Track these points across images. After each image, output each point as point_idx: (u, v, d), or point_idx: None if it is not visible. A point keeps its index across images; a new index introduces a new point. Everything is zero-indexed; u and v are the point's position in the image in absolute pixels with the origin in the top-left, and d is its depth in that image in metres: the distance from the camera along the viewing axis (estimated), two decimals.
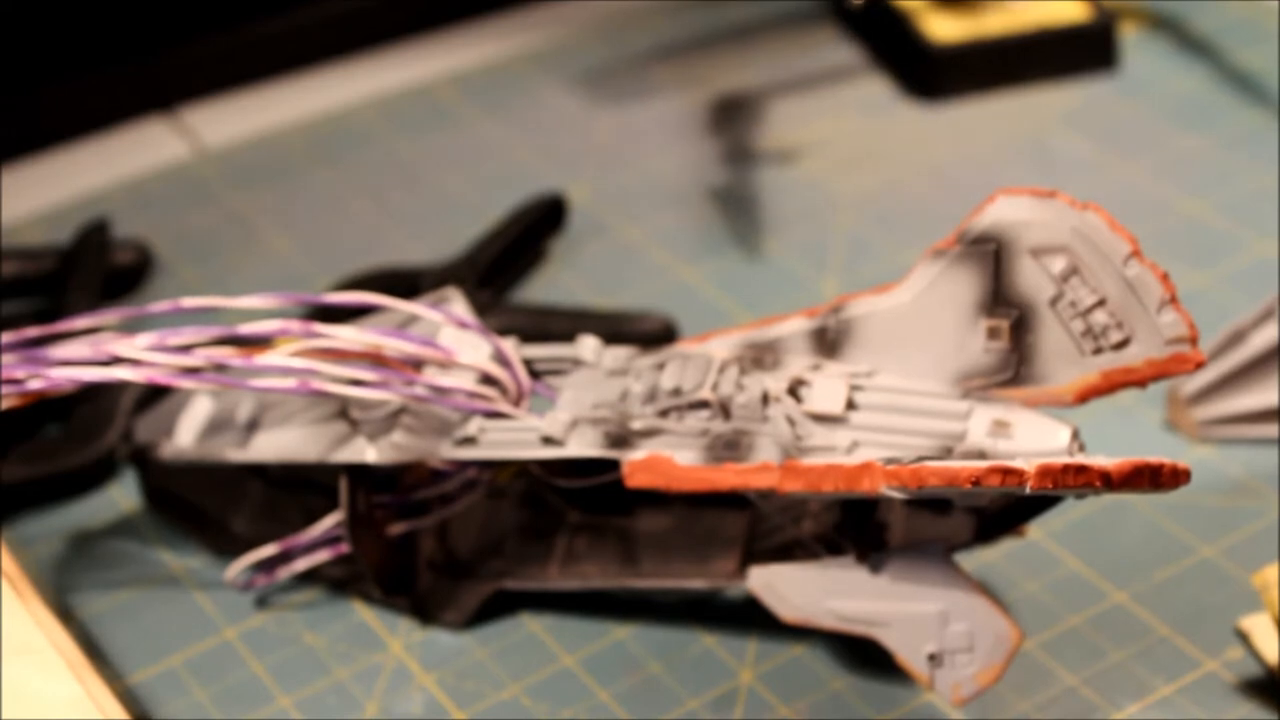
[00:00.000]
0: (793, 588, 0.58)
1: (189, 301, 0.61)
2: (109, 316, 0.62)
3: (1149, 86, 0.85)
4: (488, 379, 0.60)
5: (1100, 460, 0.50)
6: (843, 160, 0.83)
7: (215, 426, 0.63)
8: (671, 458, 0.57)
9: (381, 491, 0.63)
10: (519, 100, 0.89)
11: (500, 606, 0.63)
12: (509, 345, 0.61)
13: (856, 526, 0.58)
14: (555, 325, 0.71)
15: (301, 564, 0.64)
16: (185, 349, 0.60)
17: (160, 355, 0.59)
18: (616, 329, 0.71)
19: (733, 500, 0.61)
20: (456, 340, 0.61)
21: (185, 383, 0.59)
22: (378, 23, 0.93)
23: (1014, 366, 0.54)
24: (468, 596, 0.63)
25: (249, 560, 0.64)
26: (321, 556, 0.63)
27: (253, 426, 0.62)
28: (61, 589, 0.66)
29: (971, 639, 0.55)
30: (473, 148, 0.86)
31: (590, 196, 0.82)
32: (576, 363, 0.61)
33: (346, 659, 0.62)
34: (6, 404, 0.60)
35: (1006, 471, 0.49)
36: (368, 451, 0.60)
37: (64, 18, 0.86)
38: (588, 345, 0.61)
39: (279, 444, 0.62)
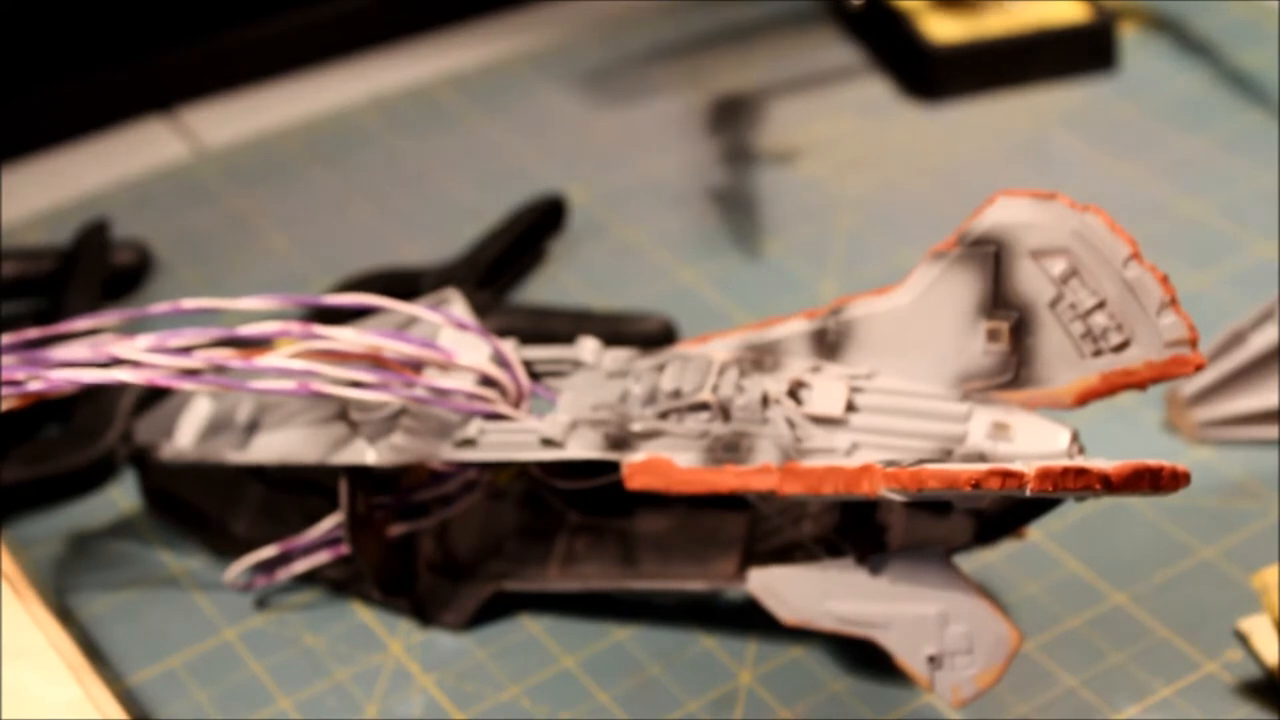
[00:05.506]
0: (792, 589, 0.58)
1: (189, 303, 0.61)
2: (109, 317, 0.62)
3: (1149, 87, 0.85)
4: (487, 381, 0.60)
5: (1100, 463, 0.50)
6: (843, 161, 0.83)
7: (215, 428, 0.63)
8: (671, 460, 0.57)
9: (381, 493, 0.63)
10: (519, 100, 0.89)
11: (500, 608, 0.63)
12: (508, 347, 0.61)
13: (856, 528, 0.58)
14: (555, 326, 0.71)
15: (301, 565, 0.64)
16: (185, 350, 0.60)
17: (160, 357, 0.59)
18: (616, 330, 0.71)
19: (732, 502, 0.61)
20: (456, 342, 0.60)
21: (185, 384, 0.59)
22: (377, 23, 0.93)
23: (1014, 369, 0.54)
24: (467, 598, 0.63)
25: (249, 561, 0.64)
26: (321, 558, 0.63)
27: (252, 428, 0.62)
28: (61, 590, 0.66)
29: (971, 641, 0.55)
30: (473, 148, 0.86)
31: (590, 196, 0.82)
32: (576, 364, 0.61)
33: (346, 660, 0.62)
34: (6, 405, 0.60)
35: (1006, 474, 0.49)
36: (367, 453, 0.60)
37: (63, 18, 0.86)
38: (587, 347, 0.61)
39: (279, 445, 0.61)
